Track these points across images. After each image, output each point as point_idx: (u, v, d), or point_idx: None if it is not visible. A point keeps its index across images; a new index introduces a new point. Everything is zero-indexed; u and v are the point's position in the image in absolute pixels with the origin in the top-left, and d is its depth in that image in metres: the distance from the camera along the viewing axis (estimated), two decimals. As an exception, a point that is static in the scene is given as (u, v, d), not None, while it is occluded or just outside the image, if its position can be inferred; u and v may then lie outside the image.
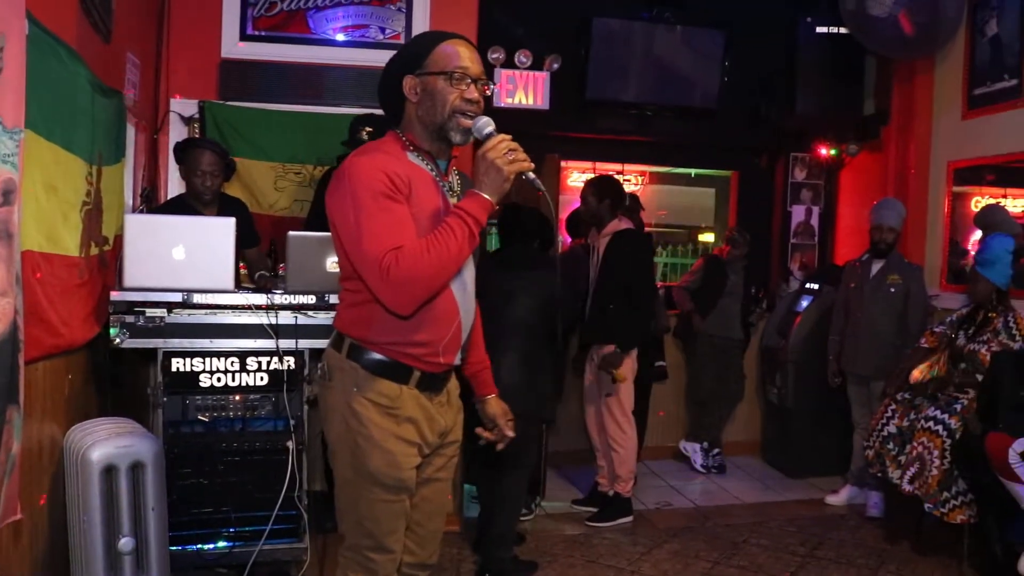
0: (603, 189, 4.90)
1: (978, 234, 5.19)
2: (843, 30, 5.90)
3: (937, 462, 4.18)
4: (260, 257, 4.26)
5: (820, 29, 6.35)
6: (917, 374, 4.64)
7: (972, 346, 4.46)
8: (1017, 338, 4.32)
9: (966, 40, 5.59)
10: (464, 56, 2.14)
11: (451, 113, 2.12)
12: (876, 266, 5.20)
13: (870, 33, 5.57)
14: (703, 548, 4.56)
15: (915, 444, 4.31)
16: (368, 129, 4.09)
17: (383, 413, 2.16)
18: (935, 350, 4.69)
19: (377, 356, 2.16)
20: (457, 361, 2.31)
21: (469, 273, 2.28)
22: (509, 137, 2.06)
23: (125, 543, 2.72)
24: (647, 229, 6.63)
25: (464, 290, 2.24)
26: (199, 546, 3.33)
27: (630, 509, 4.94)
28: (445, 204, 2.17)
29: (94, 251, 3.13)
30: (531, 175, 2.08)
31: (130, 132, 4.00)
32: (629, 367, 4.82)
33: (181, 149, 4.05)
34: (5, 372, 2.16)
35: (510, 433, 2.50)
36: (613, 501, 4.92)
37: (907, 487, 4.25)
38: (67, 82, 2.73)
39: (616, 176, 7.22)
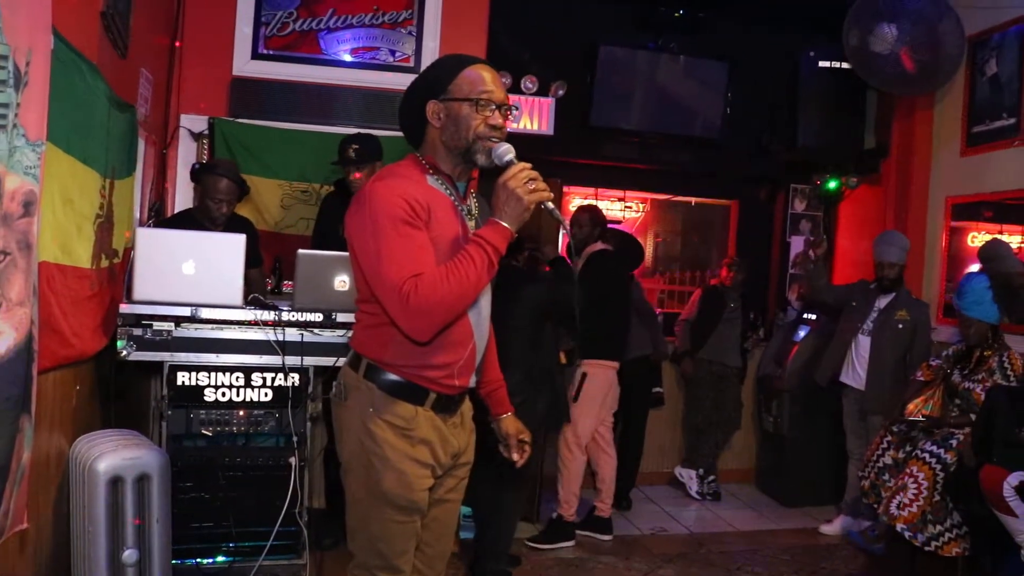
0: (596, 216, 5.14)
1: (977, 267, 5.24)
2: (845, 65, 5.97)
3: (925, 493, 4.21)
4: (261, 278, 4.28)
5: (823, 63, 6.44)
6: (912, 407, 4.69)
7: (967, 384, 4.50)
8: (1012, 378, 4.36)
9: (966, 79, 5.68)
10: (489, 81, 2.15)
11: (475, 139, 2.13)
12: (884, 300, 5.22)
13: (872, 69, 5.65)
14: (698, 574, 4.57)
15: (906, 471, 4.35)
16: (355, 146, 4.12)
17: (398, 434, 2.17)
18: (931, 383, 4.74)
19: (393, 377, 2.17)
20: (472, 383, 2.32)
21: (485, 299, 2.30)
22: (529, 166, 2.07)
23: (129, 555, 2.73)
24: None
25: (479, 315, 2.26)
26: (199, 560, 3.35)
27: (572, 534, 4.93)
28: (464, 228, 2.19)
29: (104, 263, 3.15)
30: (550, 205, 2.09)
31: (140, 146, 4.03)
32: (602, 387, 4.90)
33: (200, 171, 4.09)
34: (20, 382, 2.18)
35: (525, 451, 2.51)
36: (555, 524, 4.92)
37: (893, 511, 4.28)
38: (87, 96, 2.76)
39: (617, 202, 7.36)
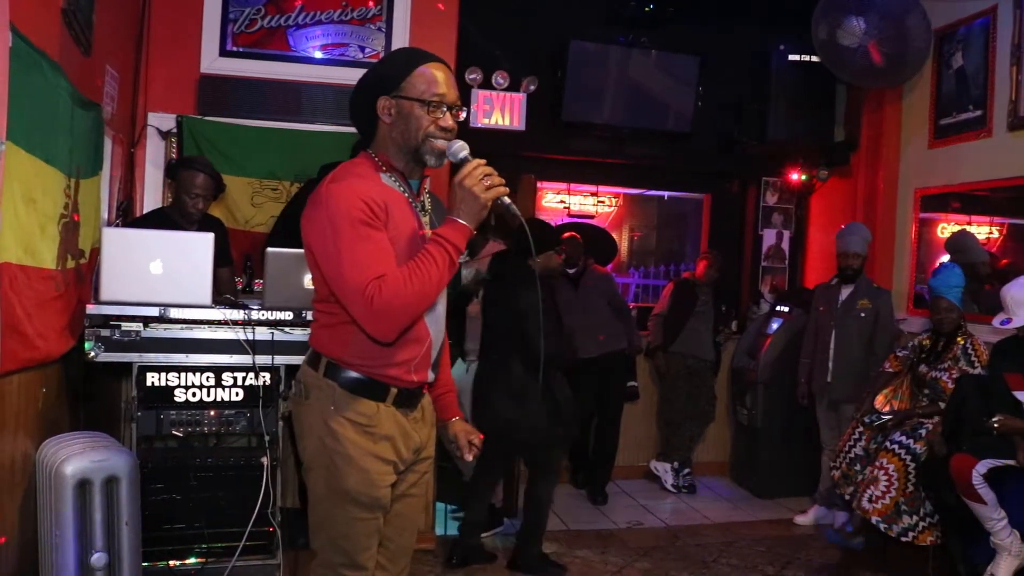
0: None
1: (946, 258, 5.30)
2: (815, 58, 6.01)
3: (897, 484, 4.26)
4: (231, 278, 4.25)
5: (792, 57, 6.46)
6: (881, 399, 4.74)
7: (934, 373, 4.55)
8: (976, 364, 4.42)
9: (933, 71, 5.73)
10: (441, 82, 2.14)
11: (425, 138, 2.13)
12: (845, 291, 5.29)
13: (841, 62, 5.69)
14: (673, 567, 4.59)
15: (876, 463, 4.39)
16: None
17: (360, 432, 2.16)
18: (899, 374, 4.79)
19: (354, 375, 2.17)
20: (430, 378, 2.33)
21: (441, 297, 2.30)
22: (484, 162, 2.07)
23: (98, 558, 2.70)
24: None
25: (434, 312, 2.25)
26: (171, 562, 3.31)
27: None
28: (420, 226, 2.19)
29: (70, 264, 3.12)
30: (507, 200, 2.10)
31: (107, 145, 3.98)
32: None
33: (176, 167, 4.05)
34: (-18, 384, 2.15)
35: (475, 450, 2.49)
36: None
37: (864, 505, 4.33)
38: (48, 94, 2.73)
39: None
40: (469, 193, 2.04)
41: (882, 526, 4.28)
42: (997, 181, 5.24)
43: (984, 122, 5.27)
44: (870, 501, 4.31)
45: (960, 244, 5.21)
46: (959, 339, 4.55)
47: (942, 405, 4.42)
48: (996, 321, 4.06)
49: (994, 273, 5.10)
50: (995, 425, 3.85)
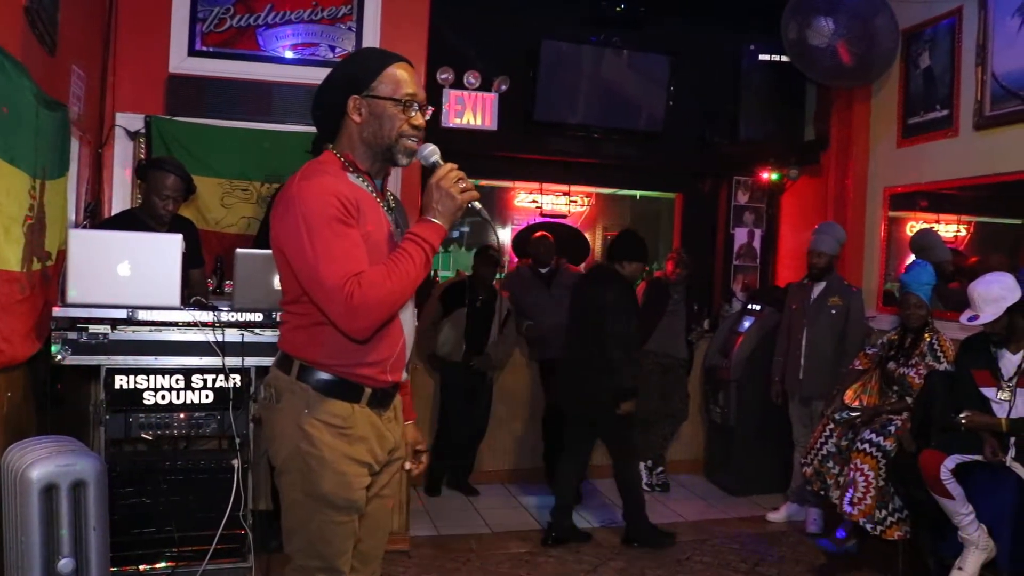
0: None
1: (913, 258, 5.36)
2: (785, 58, 6.05)
3: (874, 483, 4.30)
4: (203, 279, 4.22)
5: (763, 57, 6.51)
6: (850, 394, 4.77)
7: (902, 369, 4.59)
8: (942, 360, 4.47)
9: (901, 71, 5.80)
10: (412, 82, 2.17)
11: (397, 137, 2.15)
12: (817, 289, 5.32)
13: (810, 62, 5.74)
14: (648, 565, 4.60)
15: (851, 465, 4.43)
16: None
17: (335, 434, 2.14)
18: (868, 370, 4.83)
19: (327, 376, 2.15)
20: (404, 377, 2.32)
21: (410, 298, 2.29)
22: (455, 166, 2.11)
23: (64, 564, 2.66)
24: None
25: (407, 311, 2.25)
26: (141, 567, 3.28)
27: None
28: (388, 224, 2.20)
29: (36, 266, 3.08)
30: (478, 205, 2.14)
31: (74, 146, 3.94)
32: None
33: (146, 167, 4.01)
34: (-56, 389, 2.12)
35: (422, 462, 2.51)
36: None
37: (847, 508, 4.36)
38: (11, 95, 2.69)
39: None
40: (446, 194, 2.07)
41: (869, 526, 4.31)
42: (964, 180, 5.31)
43: (951, 121, 5.35)
44: (852, 504, 4.33)
45: (924, 242, 5.27)
46: (926, 335, 4.60)
47: (910, 401, 4.47)
48: (963, 318, 4.11)
49: (960, 271, 5.16)
50: (963, 421, 3.90)
